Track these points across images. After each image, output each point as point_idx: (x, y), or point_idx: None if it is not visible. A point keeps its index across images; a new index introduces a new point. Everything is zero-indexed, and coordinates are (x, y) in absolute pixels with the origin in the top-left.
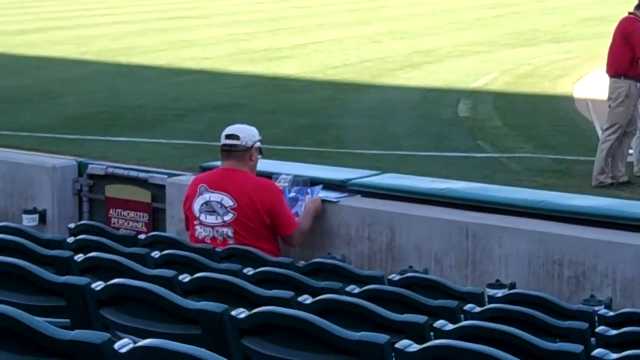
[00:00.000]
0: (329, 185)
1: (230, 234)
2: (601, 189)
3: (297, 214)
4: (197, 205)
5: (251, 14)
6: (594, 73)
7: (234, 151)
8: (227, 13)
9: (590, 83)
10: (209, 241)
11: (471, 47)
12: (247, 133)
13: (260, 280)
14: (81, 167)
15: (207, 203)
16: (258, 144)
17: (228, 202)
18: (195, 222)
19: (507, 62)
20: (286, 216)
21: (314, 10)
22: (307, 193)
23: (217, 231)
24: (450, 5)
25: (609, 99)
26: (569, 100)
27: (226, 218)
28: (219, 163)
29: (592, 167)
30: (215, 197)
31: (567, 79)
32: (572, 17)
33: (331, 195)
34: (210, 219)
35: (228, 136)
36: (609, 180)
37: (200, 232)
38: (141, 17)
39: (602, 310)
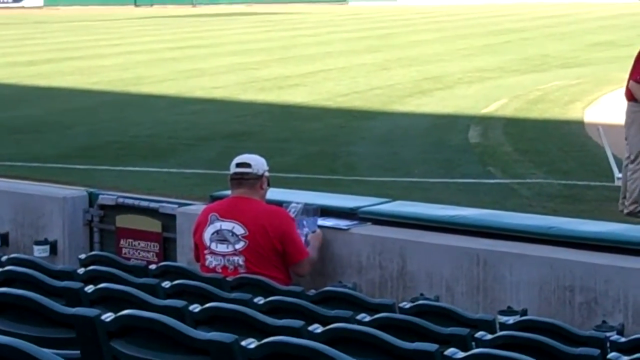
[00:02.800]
0: (339, 213)
1: (241, 262)
2: (611, 214)
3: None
4: (207, 234)
5: (260, 43)
6: (604, 98)
7: (245, 179)
8: (237, 42)
9: (601, 108)
10: (220, 270)
11: (481, 73)
12: (257, 162)
13: (271, 309)
14: (92, 198)
15: (218, 232)
16: (267, 173)
17: (240, 230)
18: (206, 252)
19: (517, 88)
20: (297, 243)
21: (322, 38)
22: (304, 226)
23: (228, 260)
24: (460, 31)
25: (625, 124)
26: (579, 125)
27: (237, 246)
28: (229, 192)
29: (604, 193)
30: (226, 225)
31: (578, 104)
32: (581, 42)
33: (342, 223)
34: (221, 248)
35: (239, 164)
36: None
37: (211, 261)
38: (151, 47)
39: (614, 337)
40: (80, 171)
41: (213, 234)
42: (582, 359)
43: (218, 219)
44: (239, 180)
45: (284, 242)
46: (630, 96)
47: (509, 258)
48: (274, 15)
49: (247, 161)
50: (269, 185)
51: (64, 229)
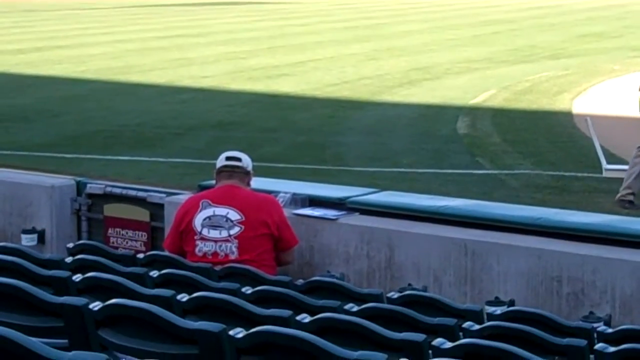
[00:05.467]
0: (327, 203)
1: (234, 248)
2: (598, 205)
3: None
4: (199, 220)
5: (249, 32)
6: (592, 89)
7: (236, 172)
8: (226, 31)
9: (589, 99)
10: (210, 257)
11: (469, 64)
12: (246, 158)
13: (259, 299)
14: (80, 187)
15: (210, 217)
16: (252, 172)
17: (235, 215)
18: (196, 237)
19: (505, 78)
20: (291, 229)
21: (312, 27)
22: None
23: (219, 246)
24: (449, 22)
25: None
26: (567, 116)
27: (232, 232)
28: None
29: (591, 184)
30: (220, 211)
31: (566, 95)
32: (569, 33)
33: (330, 213)
34: (214, 234)
35: (230, 158)
36: (631, 198)
37: (201, 247)
38: (140, 35)
39: (601, 327)
40: (68, 160)
41: (205, 219)
42: (569, 350)
43: (211, 205)
44: (230, 172)
45: (280, 228)
46: None
47: (496, 248)
48: (263, 4)
49: (237, 156)
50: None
51: (51, 217)
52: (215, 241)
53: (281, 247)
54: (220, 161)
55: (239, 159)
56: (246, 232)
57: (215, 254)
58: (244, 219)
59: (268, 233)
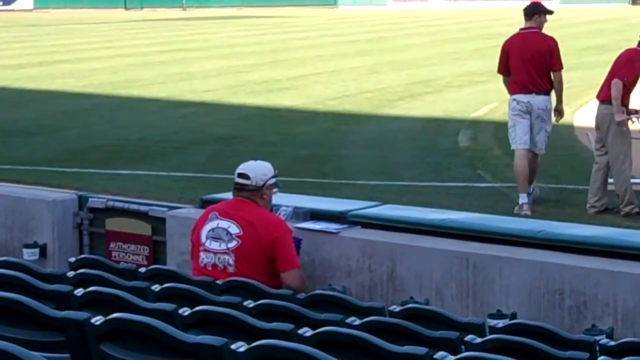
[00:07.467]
0: (329, 216)
1: (231, 262)
2: (599, 217)
3: None
4: (205, 231)
5: (251, 46)
6: (593, 102)
7: (245, 189)
8: (227, 45)
9: (590, 112)
10: (210, 268)
11: (471, 77)
12: (258, 172)
13: (261, 312)
14: (82, 201)
15: (214, 229)
16: (271, 181)
17: (234, 229)
18: (201, 248)
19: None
20: (288, 253)
21: (313, 41)
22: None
23: (218, 258)
24: (450, 35)
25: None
26: (568, 129)
27: (230, 245)
28: (220, 196)
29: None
30: (223, 224)
31: (567, 108)
32: (570, 46)
33: (331, 227)
34: (214, 246)
35: (239, 174)
36: (637, 209)
37: (203, 258)
38: (141, 50)
39: (603, 340)
40: (71, 174)
41: (209, 231)
42: None
43: (217, 218)
44: (239, 188)
45: (274, 248)
46: (604, 96)
47: (498, 262)
48: (264, 18)
49: (247, 172)
50: (278, 188)
51: (53, 232)
52: (215, 253)
53: (277, 268)
54: (235, 173)
55: (247, 177)
56: (242, 247)
57: (214, 265)
58: (242, 233)
59: (262, 250)
